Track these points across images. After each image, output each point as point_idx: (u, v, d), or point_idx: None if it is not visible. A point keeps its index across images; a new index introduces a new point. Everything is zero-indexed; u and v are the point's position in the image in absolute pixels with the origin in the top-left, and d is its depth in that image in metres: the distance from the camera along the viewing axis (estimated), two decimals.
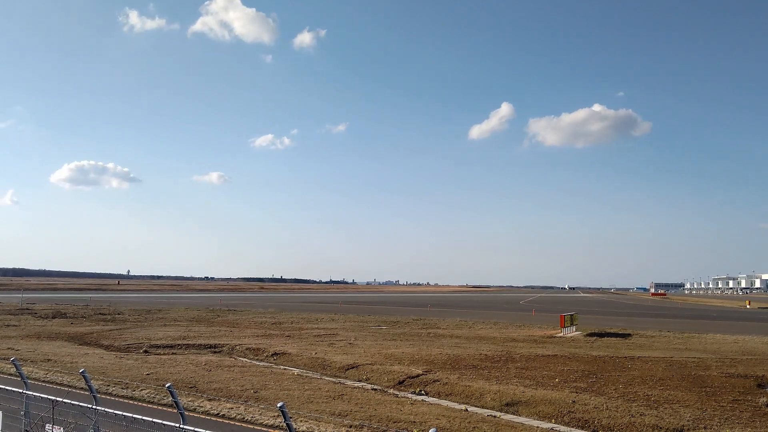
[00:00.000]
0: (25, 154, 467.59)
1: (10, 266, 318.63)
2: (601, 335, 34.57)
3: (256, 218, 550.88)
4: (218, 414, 14.00)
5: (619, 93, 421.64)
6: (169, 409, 13.56)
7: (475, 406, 15.86)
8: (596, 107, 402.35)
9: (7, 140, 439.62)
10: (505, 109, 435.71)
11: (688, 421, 13.61)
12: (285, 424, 6.73)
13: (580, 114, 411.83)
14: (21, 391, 9.14)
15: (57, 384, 17.31)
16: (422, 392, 17.77)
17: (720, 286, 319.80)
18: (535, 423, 14.13)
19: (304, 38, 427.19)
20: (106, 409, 7.63)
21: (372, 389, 18.17)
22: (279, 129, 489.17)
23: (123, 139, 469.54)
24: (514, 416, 14.88)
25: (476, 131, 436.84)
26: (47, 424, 8.41)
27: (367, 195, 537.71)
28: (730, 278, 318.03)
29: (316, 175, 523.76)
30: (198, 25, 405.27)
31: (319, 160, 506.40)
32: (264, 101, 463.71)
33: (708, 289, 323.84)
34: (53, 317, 43.30)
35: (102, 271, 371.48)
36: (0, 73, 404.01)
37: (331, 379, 19.93)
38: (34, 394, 8.93)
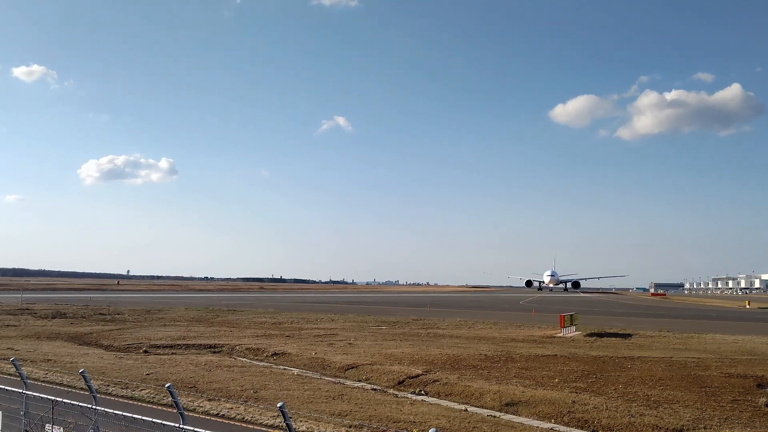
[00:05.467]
0: (55, 145, 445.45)
1: (10, 266, 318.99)
2: (600, 335, 34.57)
3: (271, 217, 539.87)
4: (218, 414, 14.01)
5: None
6: (169, 409, 13.56)
7: (475, 406, 15.86)
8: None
9: (44, 128, 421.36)
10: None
11: (687, 421, 13.63)
12: (285, 424, 6.73)
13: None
14: (21, 391, 9.14)
15: (57, 384, 17.33)
16: (422, 392, 17.78)
17: (719, 286, 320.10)
18: (535, 423, 14.14)
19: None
20: (106, 409, 7.63)
21: (372, 389, 18.19)
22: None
23: (167, 126, 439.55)
24: (514, 416, 14.89)
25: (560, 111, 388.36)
26: (47, 424, 8.42)
27: (367, 195, 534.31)
28: (729, 278, 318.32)
29: (322, 174, 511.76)
30: None
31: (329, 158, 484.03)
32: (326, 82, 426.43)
33: (707, 289, 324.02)
34: (53, 317, 43.28)
35: (102, 271, 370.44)
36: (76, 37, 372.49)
37: (330, 379, 19.94)
38: (34, 394, 8.93)
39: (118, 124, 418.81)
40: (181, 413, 7.91)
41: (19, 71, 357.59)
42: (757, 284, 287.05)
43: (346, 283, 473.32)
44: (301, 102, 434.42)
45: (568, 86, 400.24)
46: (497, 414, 14.99)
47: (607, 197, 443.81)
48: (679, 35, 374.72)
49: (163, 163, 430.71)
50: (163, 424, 6.67)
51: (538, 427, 13.76)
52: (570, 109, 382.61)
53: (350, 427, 12.72)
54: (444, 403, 16.36)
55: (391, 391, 18.05)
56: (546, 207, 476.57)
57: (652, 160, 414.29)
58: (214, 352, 26.07)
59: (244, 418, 13.60)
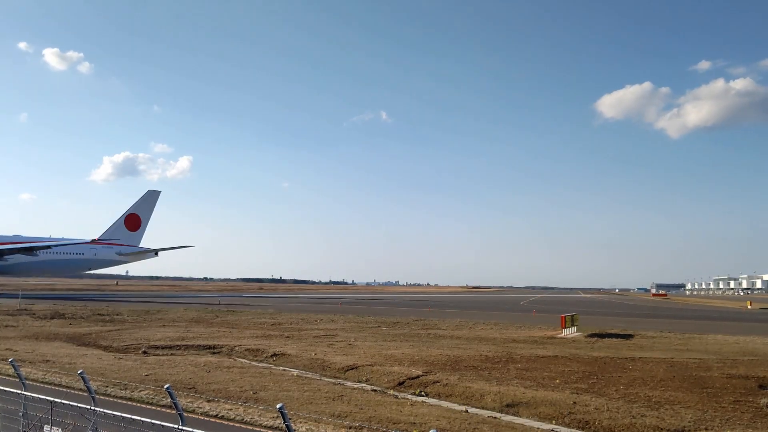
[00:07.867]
0: (75, 139, 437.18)
1: None
2: (601, 336, 34.51)
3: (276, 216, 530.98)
4: (217, 415, 13.95)
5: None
6: (168, 410, 13.50)
7: (476, 407, 15.81)
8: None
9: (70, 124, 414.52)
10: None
11: (689, 422, 13.57)
12: (284, 425, 6.68)
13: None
14: (19, 392, 9.09)
15: (55, 385, 17.27)
16: (422, 393, 17.72)
17: (721, 286, 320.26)
18: (536, 424, 14.09)
19: None
20: (105, 410, 7.58)
21: (372, 390, 18.13)
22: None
23: (191, 122, 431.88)
24: (515, 417, 14.84)
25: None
26: (45, 425, 8.36)
27: (366, 195, 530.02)
28: (731, 279, 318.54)
29: (324, 174, 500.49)
30: None
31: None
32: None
33: (709, 289, 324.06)
34: (51, 318, 43.16)
35: (100, 272, 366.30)
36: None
37: (330, 380, 19.88)
38: (32, 395, 8.87)
39: (141, 118, 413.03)
40: (180, 414, 7.86)
41: (51, 53, 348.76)
42: (758, 285, 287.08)
43: (346, 283, 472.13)
44: (327, 100, 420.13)
45: (616, 77, 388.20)
46: (498, 415, 14.93)
47: (612, 197, 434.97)
48: (743, 21, 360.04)
49: (183, 161, 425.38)
50: (162, 425, 6.61)
51: (539, 428, 13.71)
52: (612, 101, 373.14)
53: (350, 428, 12.66)
54: (444, 404, 16.30)
55: (392, 392, 17.99)
56: (554, 203, 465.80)
57: (665, 159, 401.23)
58: (214, 353, 26.00)
59: (243, 419, 13.54)
